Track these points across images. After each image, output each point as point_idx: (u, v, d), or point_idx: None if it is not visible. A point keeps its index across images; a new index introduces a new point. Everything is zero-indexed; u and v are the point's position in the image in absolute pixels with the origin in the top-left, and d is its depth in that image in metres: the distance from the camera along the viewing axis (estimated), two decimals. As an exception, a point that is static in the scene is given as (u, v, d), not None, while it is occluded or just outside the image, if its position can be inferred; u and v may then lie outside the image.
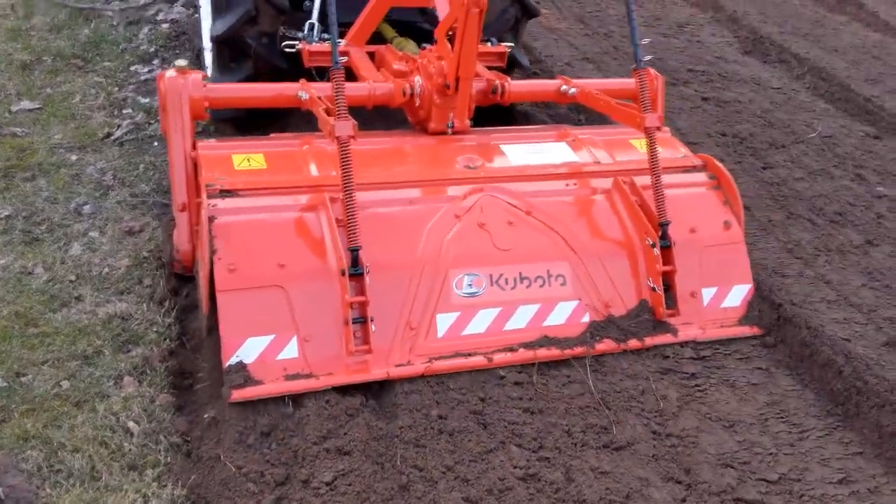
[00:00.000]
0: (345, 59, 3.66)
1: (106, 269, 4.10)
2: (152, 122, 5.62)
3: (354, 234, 3.26)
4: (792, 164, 5.56)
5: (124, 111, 5.91)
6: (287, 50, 4.43)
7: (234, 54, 4.83)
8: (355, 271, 3.23)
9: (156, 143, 5.32)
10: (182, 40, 7.15)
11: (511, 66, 5.21)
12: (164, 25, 7.45)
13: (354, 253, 3.26)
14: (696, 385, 3.56)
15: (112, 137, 5.50)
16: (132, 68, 6.58)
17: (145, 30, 7.27)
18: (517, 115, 5.72)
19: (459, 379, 3.34)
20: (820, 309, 3.99)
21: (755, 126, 6.07)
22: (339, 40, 4.58)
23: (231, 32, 4.66)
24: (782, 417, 3.45)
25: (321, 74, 4.56)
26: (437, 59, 4.05)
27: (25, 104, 5.91)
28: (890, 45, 8.18)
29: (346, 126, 3.27)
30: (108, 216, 4.55)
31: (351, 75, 4.35)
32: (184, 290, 3.86)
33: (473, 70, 3.91)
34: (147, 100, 5.96)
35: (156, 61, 6.70)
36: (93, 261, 4.15)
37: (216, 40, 4.79)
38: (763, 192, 5.12)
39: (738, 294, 3.90)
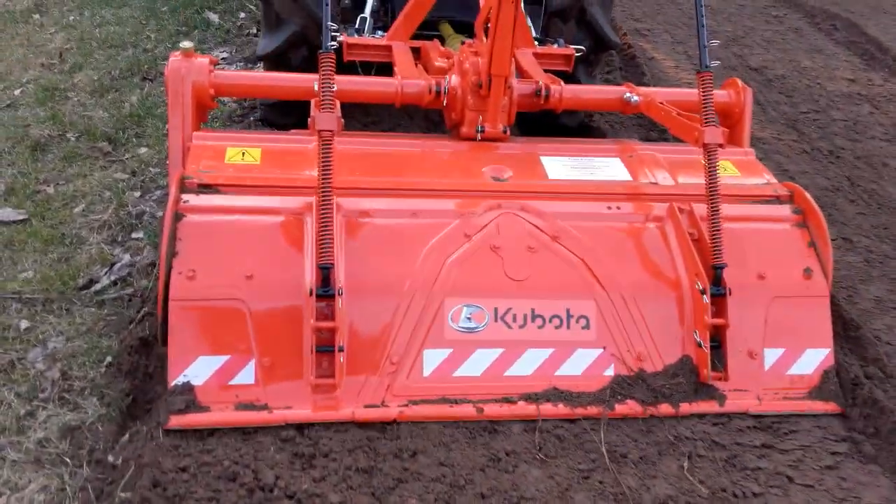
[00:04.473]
0: (335, 45, 2.99)
1: None
2: (155, 263, 3.83)
3: (327, 248, 2.85)
4: None
5: (132, 236, 4.17)
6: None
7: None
8: (325, 292, 2.85)
9: (145, 309, 3.50)
10: (250, 118, 5.41)
11: (600, 47, 4.74)
12: (229, 102, 5.74)
13: (325, 271, 2.85)
14: None
15: (94, 288, 3.74)
16: (171, 161, 4.86)
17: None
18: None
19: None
20: None
21: None
22: (381, 33, 4.39)
23: None
24: None
25: (366, 70, 4.40)
26: (474, 55, 3.61)
27: (7, 212, 4.27)
28: None
29: (329, 119, 2.90)
30: (10, 477, 2.74)
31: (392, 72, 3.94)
32: None
33: (508, 67, 3.39)
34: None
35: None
36: None
37: None
38: None
39: (812, 360, 3.21)
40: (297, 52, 4.46)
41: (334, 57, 2.96)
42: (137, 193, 4.54)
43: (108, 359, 3.25)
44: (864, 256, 4.24)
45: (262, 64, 4.83)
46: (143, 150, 5.01)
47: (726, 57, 7.12)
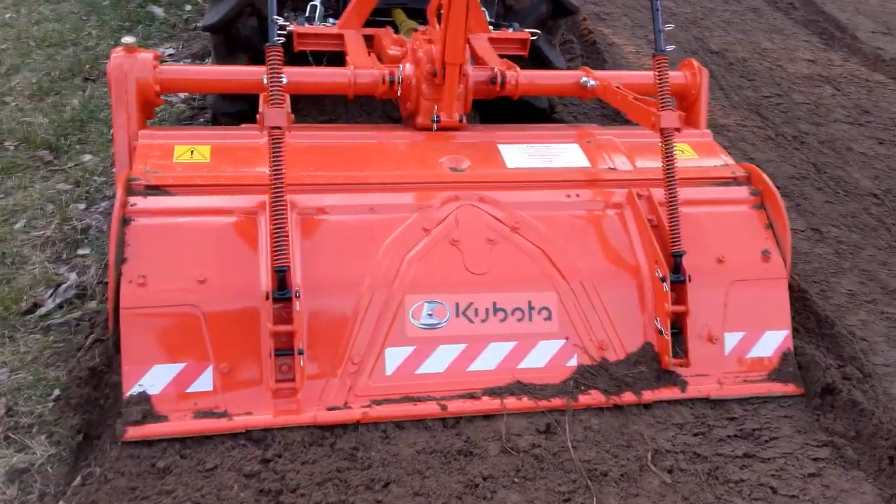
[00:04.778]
0: (282, 38, 2.90)
1: None
2: (104, 283, 3.61)
3: (281, 250, 2.77)
4: None
5: (78, 253, 3.94)
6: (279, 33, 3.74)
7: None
8: (281, 295, 2.78)
9: (94, 335, 3.29)
10: (200, 120, 5.18)
11: (559, 12, 4.62)
12: (177, 103, 5.49)
13: (281, 274, 2.78)
14: None
15: (38, 313, 3.52)
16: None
17: (154, 102, 5.32)
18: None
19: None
20: None
21: None
22: (332, 21, 4.20)
23: None
24: None
25: (318, 60, 4.28)
26: (427, 43, 3.53)
27: (-58, 231, 4.01)
28: None
29: (278, 114, 2.81)
30: (-48, 528, 2.56)
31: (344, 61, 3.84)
32: None
33: (462, 55, 3.32)
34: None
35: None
36: None
37: None
38: None
39: (771, 342, 3.20)
40: (246, 22, 4.22)
41: (282, 50, 2.87)
42: (82, 205, 4.30)
43: (56, 392, 3.05)
44: (835, 248, 4.18)
45: (210, 41, 4.56)
46: (86, 157, 4.76)
47: (686, 40, 7.04)
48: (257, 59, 4.10)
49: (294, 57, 4.13)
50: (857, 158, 5.23)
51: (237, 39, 4.25)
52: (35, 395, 3.06)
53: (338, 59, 4.04)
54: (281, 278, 2.78)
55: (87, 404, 2.96)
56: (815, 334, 3.48)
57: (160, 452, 2.67)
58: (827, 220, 4.44)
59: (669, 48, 3.25)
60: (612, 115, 5.36)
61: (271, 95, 2.82)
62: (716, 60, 6.64)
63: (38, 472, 2.73)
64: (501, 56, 3.94)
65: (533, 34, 4.26)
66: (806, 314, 3.57)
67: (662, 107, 3.16)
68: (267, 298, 2.77)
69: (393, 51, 3.85)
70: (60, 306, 3.55)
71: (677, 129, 3.16)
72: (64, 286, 3.65)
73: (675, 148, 3.15)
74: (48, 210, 4.25)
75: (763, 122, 5.61)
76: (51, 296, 3.60)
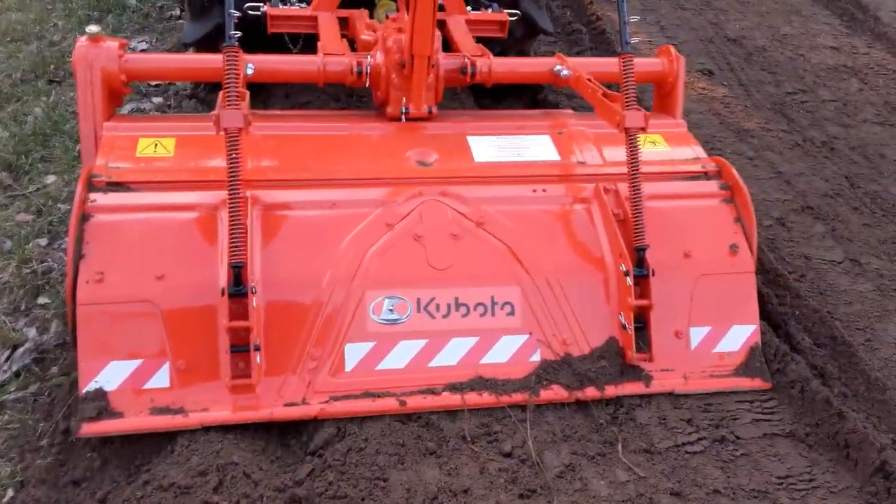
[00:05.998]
0: (237, 35, 2.83)
1: None
2: (63, 343, 3.21)
3: (238, 246, 2.73)
4: None
5: (38, 302, 3.53)
6: (251, 13, 3.69)
7: None
8: (237, 291, 2.73)
9: (51, 418, 2.90)
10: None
11: (532, 33, 4.60)
12: (151, 110, 5.01)
13: (236, 270, 2.74)
14: None
15: (-9, 384, 3.12)
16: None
17: (126, 110, 4.85)
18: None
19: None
20: None
21: None
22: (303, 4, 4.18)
23: None
24: None
25: (294, 42, 4.33)
26: (397, 32, 3.47)
27: None
28: None
29: (235, 116, 2.76)
30: None
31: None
32: None
33: (430, 46, 3.25)
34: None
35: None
36: None
37: None
38: None
39: (738, 336, 3.18)
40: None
41: (239, 50, 2.84)
42: (44, 241, 3.87)
43: (10, 493, 2.67)
44: (876, 283, 3.80)
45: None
46: (50, 179, 4.31)
47: (702, 26, 6.55)
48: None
49: (269, 40, 4.05)
50: (892, 168, 4.82)
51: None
52: (-16, 499, 2.67)
53: (313, 41, 3.86)
54: (237, 274, 2.74)
55: (45, 509, 2.59)
56: (864, 400, 3.11)
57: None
58: (866, 248, 4.04)
59: (634, 40, 3.21)
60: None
61: (228, 97, 2.78)
62: (734, 50, 6.17)
63: None
64: (478, 40, 3.84)
65: (511, 15, 4.23)
66: (853, 373, 3.20)
67: (627, 105, 3.10)
68: (223, 294, 2.74)
69: (366, 36, 3.76)
70: (17, 374, 3.15)
71: (642, 129, 3.11)
72: (21, 349, 3.24)
73: (639, 146, 3.12)
74: (6, 248, 3.82)
75: (789, 126, 5.17)
76: (7, 360, 3.20)
